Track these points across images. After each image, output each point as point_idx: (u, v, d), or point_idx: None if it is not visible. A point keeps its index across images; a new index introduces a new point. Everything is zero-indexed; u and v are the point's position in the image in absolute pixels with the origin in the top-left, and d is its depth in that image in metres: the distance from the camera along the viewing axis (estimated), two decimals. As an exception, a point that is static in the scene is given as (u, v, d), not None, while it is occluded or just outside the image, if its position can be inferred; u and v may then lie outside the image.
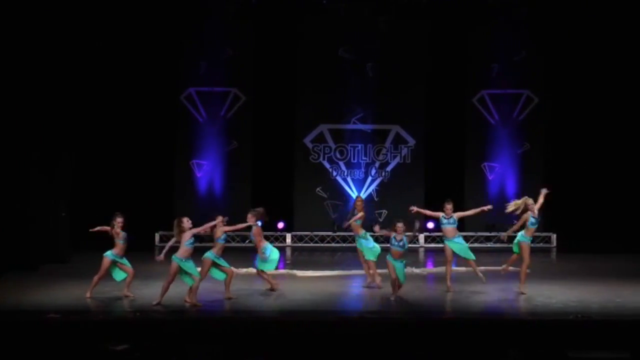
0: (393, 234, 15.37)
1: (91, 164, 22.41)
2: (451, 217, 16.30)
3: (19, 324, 13.05)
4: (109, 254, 15.44)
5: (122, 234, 15.47)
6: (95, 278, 15.44)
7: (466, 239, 23.42)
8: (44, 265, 18.81)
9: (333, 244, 23.52)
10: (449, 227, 16.33)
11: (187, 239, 14.67)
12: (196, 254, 14.94)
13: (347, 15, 23.62)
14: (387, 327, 13.21)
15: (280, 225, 23.96)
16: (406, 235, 15.36)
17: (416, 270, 18.54)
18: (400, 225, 15.42)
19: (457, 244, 16.32)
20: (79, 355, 12.10)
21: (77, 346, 12.31)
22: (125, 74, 22.92)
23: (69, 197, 20.38)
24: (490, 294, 15.89)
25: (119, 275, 15.57)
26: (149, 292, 15.61)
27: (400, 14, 23.61)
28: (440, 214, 16.38)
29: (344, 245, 23.09)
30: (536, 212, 16.01)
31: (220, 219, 15.50)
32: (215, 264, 15.43)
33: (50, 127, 19.63)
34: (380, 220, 24.00)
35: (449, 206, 16.31)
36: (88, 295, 15.34)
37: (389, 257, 15.39)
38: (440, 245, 23.53)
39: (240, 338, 12.79)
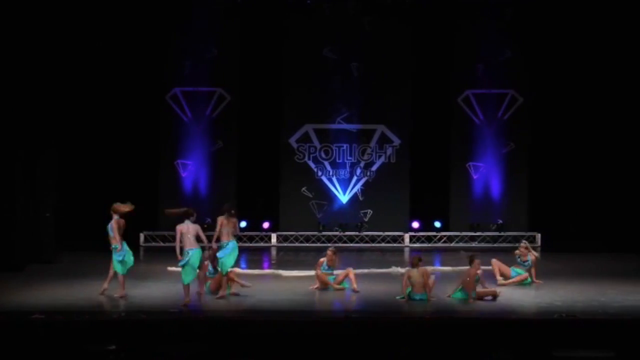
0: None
1: (75, 164, 22.29)
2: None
3: (3, 324, 12.99)
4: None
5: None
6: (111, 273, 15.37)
7: (451, 239, 23.79)
8: (29, 265, 18.73)
9: (318, 244, 23.49)
10: None
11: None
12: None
13: (332, 15, 23.64)
14: (373, 327, 13.21)
15: (266, 225, 23.95)
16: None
17: (402, 270, 18.50)
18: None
19: None
20: (64, 356, 12.05)
21: (62, 347, 12.26)
22: (110, 73, 22.81)
23: (54, 197, 20.29)
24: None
25: (119, 267, 15.39)
26: (137, 293, 15.61)
27: (385, 14, 23.67)
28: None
29: (329, 245, 23.03)
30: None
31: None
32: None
33: (34, 127, 19.55)
34: (365, 220, 24.07)
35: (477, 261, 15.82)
36: (101, 291, 15.32)
37: None
38: (425, 244, 23.78)
39: (226, 338, 12.77)
